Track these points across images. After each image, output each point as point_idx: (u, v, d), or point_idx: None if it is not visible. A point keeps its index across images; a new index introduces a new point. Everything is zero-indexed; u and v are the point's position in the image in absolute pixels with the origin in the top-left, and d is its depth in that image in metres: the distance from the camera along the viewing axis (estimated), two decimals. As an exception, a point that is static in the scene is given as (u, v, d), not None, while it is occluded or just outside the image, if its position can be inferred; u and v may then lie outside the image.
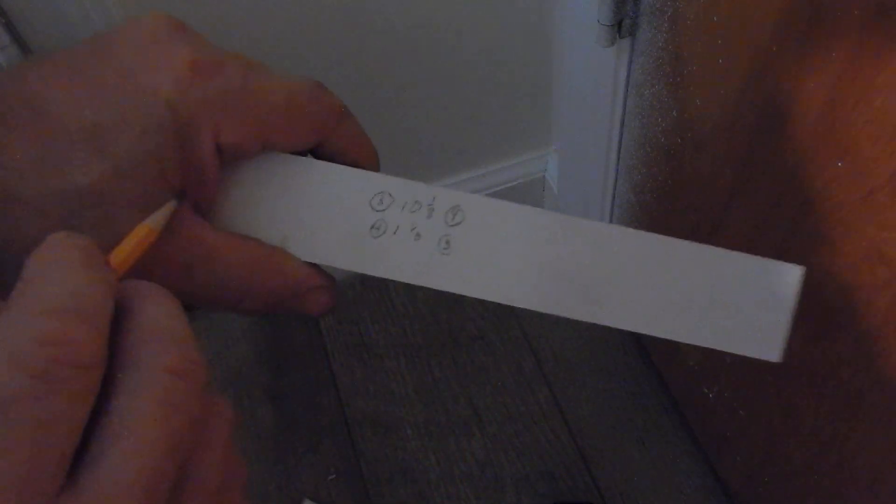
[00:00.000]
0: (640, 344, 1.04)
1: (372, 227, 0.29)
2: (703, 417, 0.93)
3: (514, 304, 0.29)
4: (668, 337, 0.29)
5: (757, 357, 0.30)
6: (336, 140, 0.29)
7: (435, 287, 0.29)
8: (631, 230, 0.29)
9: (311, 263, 0.29)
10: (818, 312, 0.59)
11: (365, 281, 1.13)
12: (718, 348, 0.29)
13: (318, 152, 0.30)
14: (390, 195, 0.29)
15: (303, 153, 0.30)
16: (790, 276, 0.29)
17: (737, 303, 0.29)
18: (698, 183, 0.72)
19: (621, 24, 0.74)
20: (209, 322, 1.11)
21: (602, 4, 0.72)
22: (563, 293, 0.29)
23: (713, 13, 0.58)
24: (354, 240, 0.29)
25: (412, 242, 0.29)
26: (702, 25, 0.61)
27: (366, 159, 0.31)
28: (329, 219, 0.29)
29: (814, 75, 0.49)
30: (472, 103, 0.96)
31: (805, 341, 0.62)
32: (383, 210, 0.29)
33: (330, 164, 0.30)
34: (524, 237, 0.29)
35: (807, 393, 0.65)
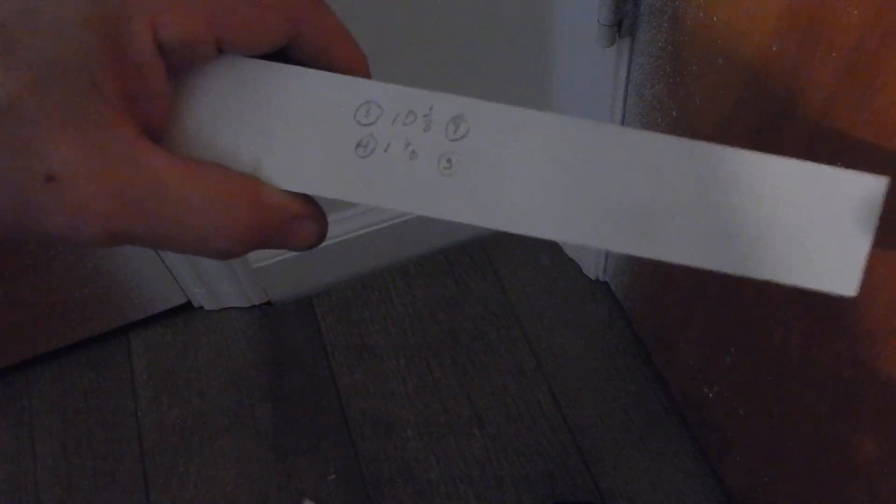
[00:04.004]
0: (641, 344, 1.04)
1: (358, 144, 0.24)
2: (703, 417, 0.93)
3: (536, 235, 0.25)
4: (723, 270, 0.24)
5: (828, 291, 0.25)
6: (312, 37, 0.24)
7: (436, 216, 0.25)
8: (683, 139, 0.24)
9: (291, 191, 0.25)
10: (818, 312, 0.59)
11: (365, 281, 1.13)
12: (783, 282, 0.25)
13: (289, 55, 0.25)
14: (379, 105, 0.24)
15: (271, 57, 0.25)
16: (872, 189, 0.24)
17: (804, 223, 0.24)
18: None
19: (621, 24, 0.74)
20: (209, 322, 1.11)
21: (602, 4, 0.72)
22: (597, 218, 0.24)
23: (713, 13, 0.58)
24: (337, 161, 0.24)
25: (407, 162, 0.24)
26: (702, 25, 0.61)
27: (350, 61, 0.25)
28: (307, 137, 0.24)
29: (814, 75, 0.49)
30: (472, 103, 0.96)
31: (805, 341, 0.62)
32: (371, 124, 0.24)
33: (303, 68, 0.25)
34: (547, 152, 0.24)
35: (807, 393, 0.65)
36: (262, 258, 1.05)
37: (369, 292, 1.12)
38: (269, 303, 1.13)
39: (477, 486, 0.96)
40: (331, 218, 0.31)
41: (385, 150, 0.24)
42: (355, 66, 0.26)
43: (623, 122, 0.85)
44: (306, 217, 0.25)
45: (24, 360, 1.08)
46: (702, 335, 0.84)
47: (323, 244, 0.27)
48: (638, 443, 0.98)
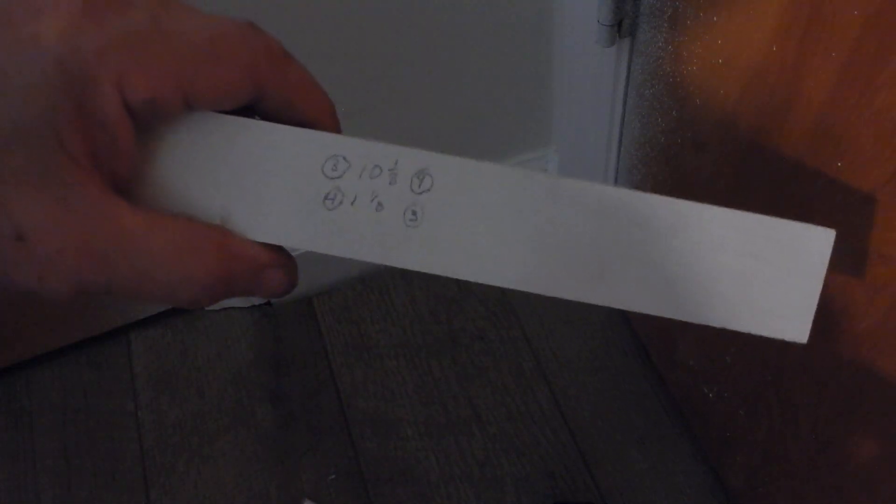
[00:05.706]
0: (641, 344, 1.04)
1: (325, 197, 0.25)
2: (703, 417, 0.93)
3: (497, 284, 0.25)
4: (679, 318, 0.25)
5: (781, 338, 0.26)
6: (277, 91, 0.25)
7: (402, 266, 0.26)
8: (634, 192, 0.25)
9: (259, 241, 0.25)
10: (818, 312, 0.59)
11: (365, 281, 1.13)
12: (738, 329, 0.26)
13: (257, 109, 0.25)
14: (345, 159, 0.25)
15: (240, 113, 0.25)
16: (820, 241, 0.25)
17: (757, 274, 0.25)
18: (698, 183, 0.72)
19: (621, 24, 0.74)
20: (209, 322, 1.11)
21: (602, 4, 0.72)
22: (557, 270, 0.25)
23: (713, 13, 0.58)
24: (305, 213, 0.25)
25: (373, 214, 0.25)
26: (702, 25, 0.61)
27: (318, 114, 0.26)
28: (274, 190, 0.25)
29: (814, 75, 0.49)
30: (471, 103, 0.96)
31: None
32: (338, 177, 0.25)
33: (270, 123, 0.25)
34: (507, 204, 0.25)
35: (807, 393, 0.65)
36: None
37: (369, 292, 1.12)
38: (269, 303, 1.13)
39: (477, 486, 0.96)
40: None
41: (352, 203, 0.25)
42: (322, 117, 0.26)
43: (623, 122, 0.85)
44: (275, 266, 0.25)
45: (24, 360, 1.08)
46: (702, 336, 0.84)
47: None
48: (638, 443, 0.98)
